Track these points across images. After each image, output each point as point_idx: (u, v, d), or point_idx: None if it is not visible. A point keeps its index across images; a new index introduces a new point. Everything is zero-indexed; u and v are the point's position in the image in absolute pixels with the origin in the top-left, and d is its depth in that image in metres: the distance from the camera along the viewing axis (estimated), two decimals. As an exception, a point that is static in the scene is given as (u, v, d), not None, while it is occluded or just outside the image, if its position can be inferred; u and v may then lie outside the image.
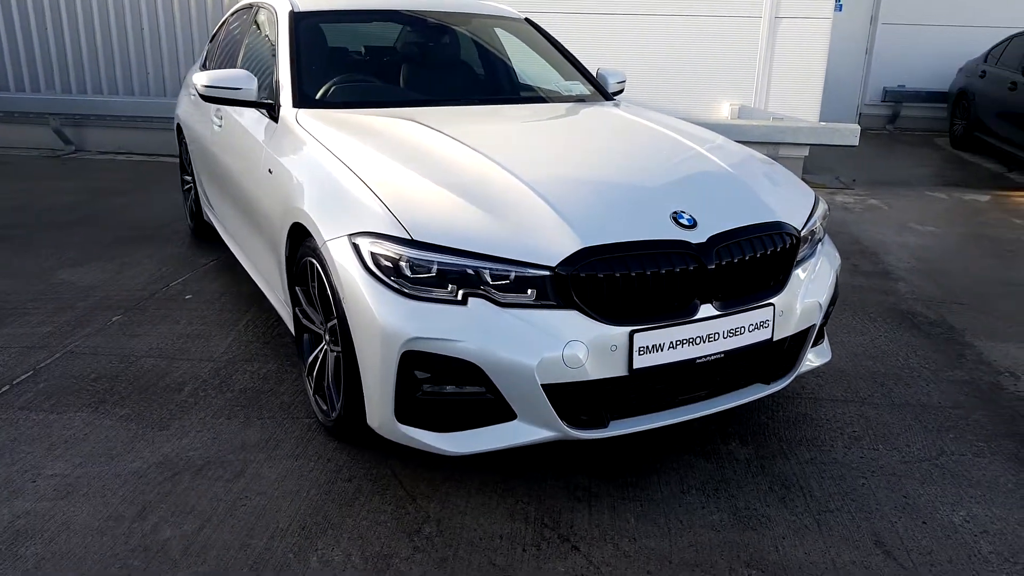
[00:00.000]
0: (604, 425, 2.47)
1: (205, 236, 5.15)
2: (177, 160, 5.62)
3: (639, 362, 2.38)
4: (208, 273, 4.66)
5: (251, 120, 3.64)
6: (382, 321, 2.35)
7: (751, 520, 2.47)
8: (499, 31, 4.37)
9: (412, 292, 2.36)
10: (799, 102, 7.78)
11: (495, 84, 4.23)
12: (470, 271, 2.35)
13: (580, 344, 2.32)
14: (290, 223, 2.92)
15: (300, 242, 2.88)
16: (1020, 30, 9.23)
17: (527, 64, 4.34)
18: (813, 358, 2.96)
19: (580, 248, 2.35)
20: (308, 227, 2.73)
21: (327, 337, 2.80)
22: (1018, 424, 3.09)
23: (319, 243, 2.62)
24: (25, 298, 4.23)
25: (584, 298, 2.35)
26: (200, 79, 3.46)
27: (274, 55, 3.69)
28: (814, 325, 2.80)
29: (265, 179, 3.26)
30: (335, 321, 2.62)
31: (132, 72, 8.63)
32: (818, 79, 7.73)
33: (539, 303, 2.34)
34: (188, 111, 4.96)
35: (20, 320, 3.94)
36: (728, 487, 2.64)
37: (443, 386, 2.39)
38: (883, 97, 11.33)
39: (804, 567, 2.28)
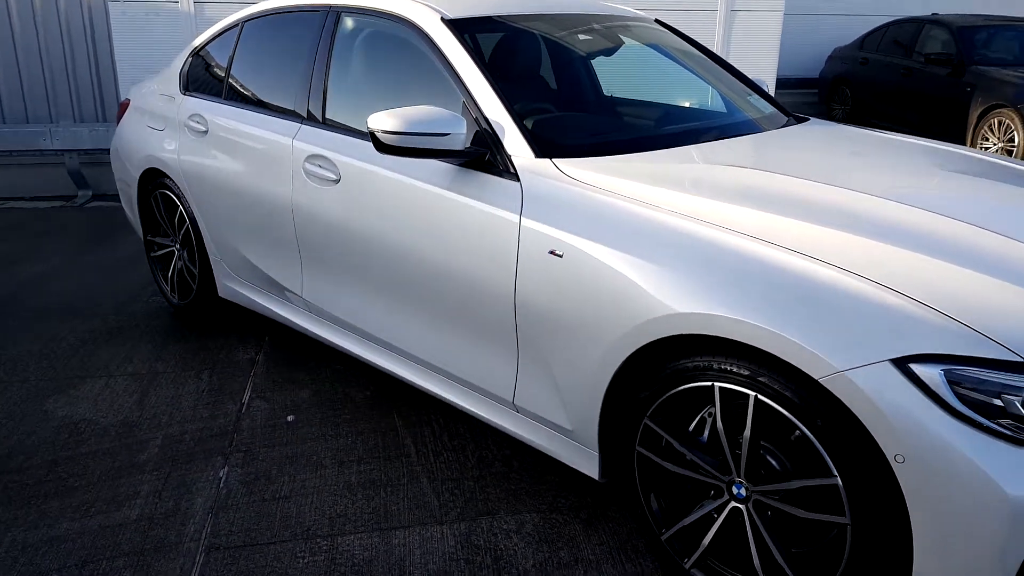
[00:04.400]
0: None
1: (197, 316, 3.87)
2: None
3: None
4: (273, 374, 3.40)
5: (431, 173, 2.56)
6: (1013, 492, 1.59)
7: None
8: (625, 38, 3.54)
9: (1025, 439, 1.62)
10: (753, 97, 7.60)
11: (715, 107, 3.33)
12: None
13: None
14: (645, 337, 2.01)
15: (658, 362, 2.05)
16: (891, 18, 9.81)
17: (672, 78, 3.58)
18: None
19: None
20: (756, 344, 1.82)
21: (749, 497, 1.96)
22: None
23: (812, 371, 1.75)
24: (45, 461, 2.78)
25: None
26: (383, 122, 2.36)
27: (439, 84, 2.63)
28: None
29: (536, 268, 2.25)
30: (828, 480, 1.78)
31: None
32: (771, 74, 7.59)
33: None
34: (202, 152, 3.52)
35: (72, 500, 2.54)
36: None
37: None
38: (752, 86, 11.64)
39: None
